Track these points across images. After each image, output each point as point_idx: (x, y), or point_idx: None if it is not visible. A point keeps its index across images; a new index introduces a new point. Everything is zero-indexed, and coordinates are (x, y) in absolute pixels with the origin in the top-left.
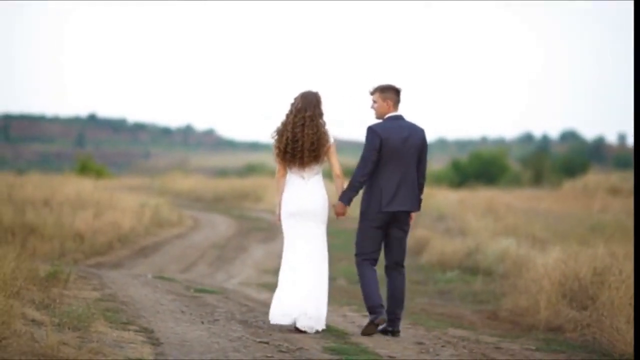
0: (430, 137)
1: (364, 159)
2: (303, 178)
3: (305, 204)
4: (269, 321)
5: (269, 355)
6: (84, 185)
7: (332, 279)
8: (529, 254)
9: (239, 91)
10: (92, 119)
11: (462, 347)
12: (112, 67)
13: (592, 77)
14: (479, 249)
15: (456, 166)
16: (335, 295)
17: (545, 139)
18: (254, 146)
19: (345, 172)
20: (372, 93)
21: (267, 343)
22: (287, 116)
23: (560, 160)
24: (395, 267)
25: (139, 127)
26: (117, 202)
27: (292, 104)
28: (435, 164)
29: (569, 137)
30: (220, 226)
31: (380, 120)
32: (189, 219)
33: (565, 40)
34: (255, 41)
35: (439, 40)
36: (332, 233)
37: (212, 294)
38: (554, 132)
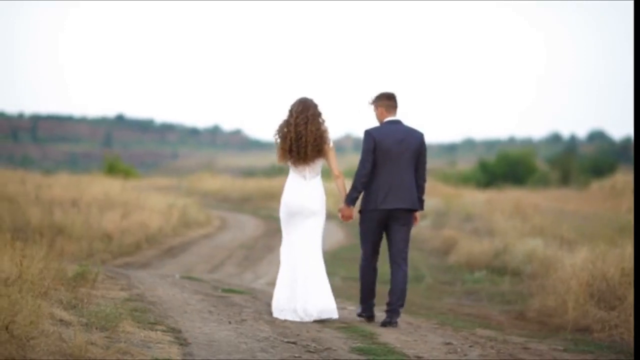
0: (457, 137)
1: (361, 160)
2: (304, 178)
3: (305, 202)
4: (271, 313)
5: (297, 355)
6: (112, 186)
7: (357, 279)
8: (556, 254)
9: (266, 92)
10: (120, 119)
11: (490, 347)
12: (140, 67)
13: (620, 77)
14: (507, 249)
15: (484, 166)
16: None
17: (573, 139)
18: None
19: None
20: (370, 103)
21: (294, 343)
22: (288, 119)
23: (588, 161)
24: (396, 263)
25: (167, 128)
26: (145, 202)
27: (291, 110)
28: (462, 164)
29: (597, 137)
30: (248, 226)
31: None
32: (216, 219)
33: (594, 40)
34: (283, 42)
35: (467, 40)
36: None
37: (239, 294)
38: (581, 132)
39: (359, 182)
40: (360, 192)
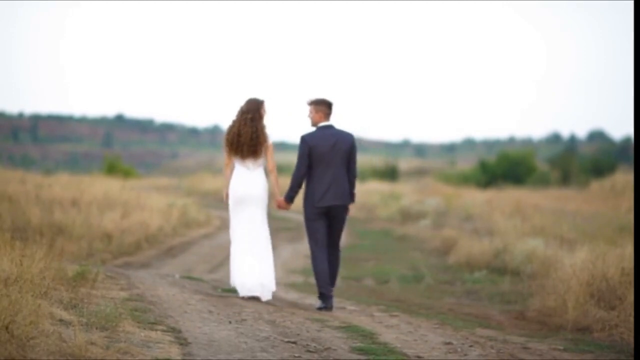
0: (457, 137)
1: (297, 164)
2: (248, 169)
3: (249, 189)
4: (238, 293)
5: (297, 355)
6: (112, 186)
7: (359, 279)
8: (556, 254)
9: (266, 92)
10: (120, 119)
11: (490, 347)
12: (140, 67)
13: (620, 77)
14: (507, 249)
15: (484, 166)
16: (362, 295)
17: (573, 139)
18: (281, 146)
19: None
20: (308, 105)
21: (294, 343)
22: (236, 116)
23: (588, 160)
24: (331, 248)
25: (167, 128)
26: (145, 202)
27: (240, 107)
28: (462, 164)
29: (597, 137)
30: None
31: (314, 129)
32: (216, 219)
33: (594, 40)
34: (282, 42)
35: (467, 40)
36: (360, 234)
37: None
38: (581, 132)
39: (295, 183)
40: (296, 192)
